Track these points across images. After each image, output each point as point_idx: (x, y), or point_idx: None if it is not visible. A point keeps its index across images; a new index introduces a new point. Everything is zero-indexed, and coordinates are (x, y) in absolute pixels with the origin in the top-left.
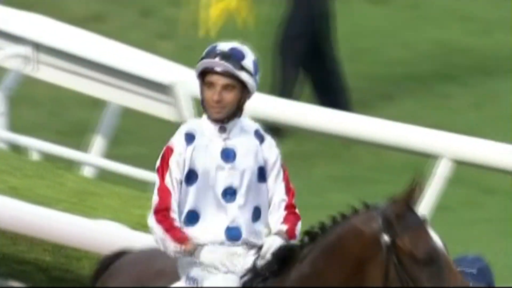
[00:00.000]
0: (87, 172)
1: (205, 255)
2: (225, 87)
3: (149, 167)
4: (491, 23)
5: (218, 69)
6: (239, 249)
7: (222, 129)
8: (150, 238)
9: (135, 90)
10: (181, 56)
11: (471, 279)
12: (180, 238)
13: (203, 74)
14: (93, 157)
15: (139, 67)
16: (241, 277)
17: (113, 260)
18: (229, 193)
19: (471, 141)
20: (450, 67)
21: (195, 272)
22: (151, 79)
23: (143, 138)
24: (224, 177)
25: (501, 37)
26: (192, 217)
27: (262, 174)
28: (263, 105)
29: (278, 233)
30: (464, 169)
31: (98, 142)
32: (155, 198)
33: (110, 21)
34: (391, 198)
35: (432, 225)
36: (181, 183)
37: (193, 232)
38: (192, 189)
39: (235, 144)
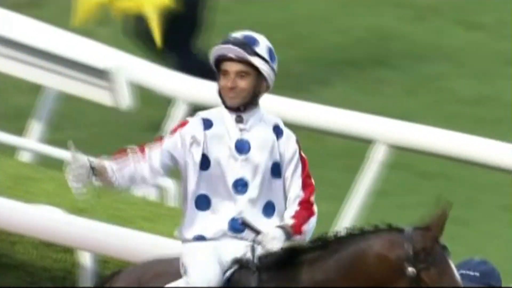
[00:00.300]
0: (25, 157)
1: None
2: (239, 74)
3: (87, 151)
4: (424, 9)
5: (230, 55)
6: (241, 243)
7: (239, 119)
8: (86, 222)
9: (73, 75)
10: (118, 42)
11: (473, 282)
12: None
13: (219, 64)
14: (31, 142)
15: (76, 52)
16: (227, 268)
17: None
18: (240, 185)
19: (406, 126)
20: (384, 52)
21: (185, 260)
22: (88, 64)
23: (81, 123)
24: (236, 168)
25: (434, 23)
26: (203, 202)
27: (277, 170)
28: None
29: (281, 226)
30: (400, 154)
31: (36, 127)
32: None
33: (46, 7)
34: (418, 225)
35: (369, 210)
36: (171, 156)
37: (203, 216)
38: (206, 174)
39: (251, 136)
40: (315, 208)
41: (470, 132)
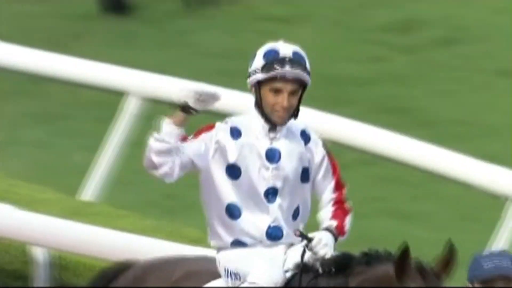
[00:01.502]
0: None
1: (182, 100)
2: (291, 93)
3: None
4: None
5: (289, 76)
6: (280, 248)
7: (273, 129)
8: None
9: None
10: None
11: (510, 269)
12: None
13: (264, 80)
14: None
15: None
16: (287, 271)
17: (116, 274)
18: (271, 193)
19: (157, 79)
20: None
21: (234, 266)
22: None
23: None
24: (268, 177)
25: None
26: (234, 211)
27: (306, 175)
28: None
29: (328, 228)
30: (154, 106)
31: None
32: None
33: None
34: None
35: (124, 160)
36: (192, 162)
37: (235, 224)
38: (236, 183)
39: (281, 144)
40: (348, 205)
41: (218, 84)
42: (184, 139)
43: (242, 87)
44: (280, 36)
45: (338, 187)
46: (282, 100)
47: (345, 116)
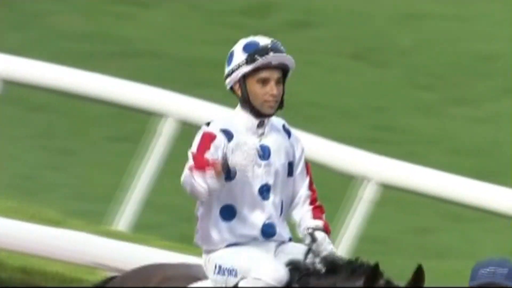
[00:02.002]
0: None
1: (233, 163)
2: (277, 81)
3: None
4: None
5: (275, 63)
6: (272, 245)
7: (261, 124)
8: None
9: None
10: None
11: (504, 278)
12: (206, 162)
13: (249, 72)
14: None
15: None
16: (287, 264)
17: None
18: (265, 190)
19: (16, 61)
20: None
21: (229, 263)
22: None
23: None
24: (261, 174)
25: None
26: (229, 212)
27: (290, 169)
28: None
29: (319, 228)
30: (14, 88)
31: None
32: (190, 163)
33: None
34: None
35: None
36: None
37: (229, 226)
38: (229, 185)
39: (269, 141)
40: (320, 204)
41: (76, 66)
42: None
43: (98, 69)
44: (138, 19)
45: (311, 185)
46: (271, 89)
47: (204, 98)
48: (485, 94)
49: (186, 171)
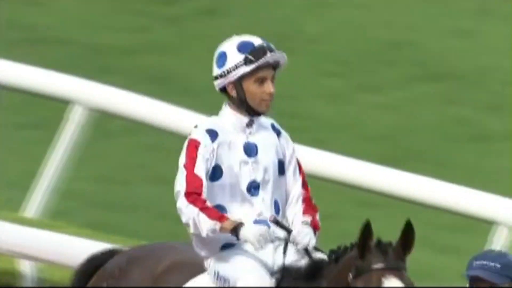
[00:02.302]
0: None
1: (244, 233)
2: (272, 79)
3: None
4: None
5: (272, 62)
6: (267, 252)
7: (251, 123)
8: None
9: None
10: None
11: (493, 273)
12: (218, 216)
13: (247, 73)
14: None
15: None
16: (273, 273)
17: (102, 260)
18: (253, 187)
19: None
20: None
21: (225, 270)
22: None
23: None
24: (248, 171)
25: None
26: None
27: (281, 168)
28: None
29: (307, 224)
30: None
31: None
32: (182, 184)
33: None
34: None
35: None
36: (207, 175)
37: None
38: (218, 184)
39: (256, 138)
40: (315, 203)
41: None
42: (206, 173)
43: (5, 55)
44: (44, 6)
45: (305, 184)
46: (268, 87)
47: (111, 85)
48: (391, 82)
49: (183, 200)
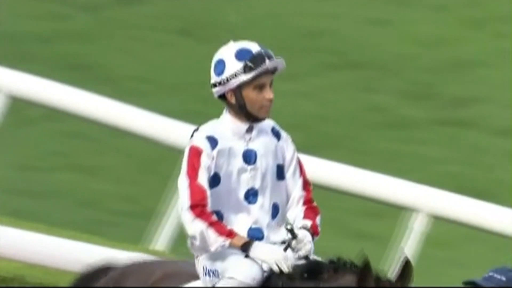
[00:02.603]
0: None
1: (255, 252)
2: (270, 85)
3: None
4: None
5: (271, 68)
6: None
7: (250, 129)
8: None
9: None
10: None
11: (496, 285)
12: (227, 232)
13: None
14: None
15: None
16: (265, 271)
17: (96, 276)
18: (252, 194)
19: None
20: None
21: (213, 264)
22: None
23: None
24: (247, 179)
25: None
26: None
27: (280, 172)
28: None
29: (305, 228)
30: None
31: None
32: (186, 195)
33: None
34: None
35: None
36: (209, 183)
37: None
38: (215, 191)
39: (256, 145)
40: (316, 205)
41: None
42: (208, 182)
43: None
44: None
45: (306, 185)
46: (268, 94)
47: (29, 72)
48: (310, 70)
49: (189, 214)
